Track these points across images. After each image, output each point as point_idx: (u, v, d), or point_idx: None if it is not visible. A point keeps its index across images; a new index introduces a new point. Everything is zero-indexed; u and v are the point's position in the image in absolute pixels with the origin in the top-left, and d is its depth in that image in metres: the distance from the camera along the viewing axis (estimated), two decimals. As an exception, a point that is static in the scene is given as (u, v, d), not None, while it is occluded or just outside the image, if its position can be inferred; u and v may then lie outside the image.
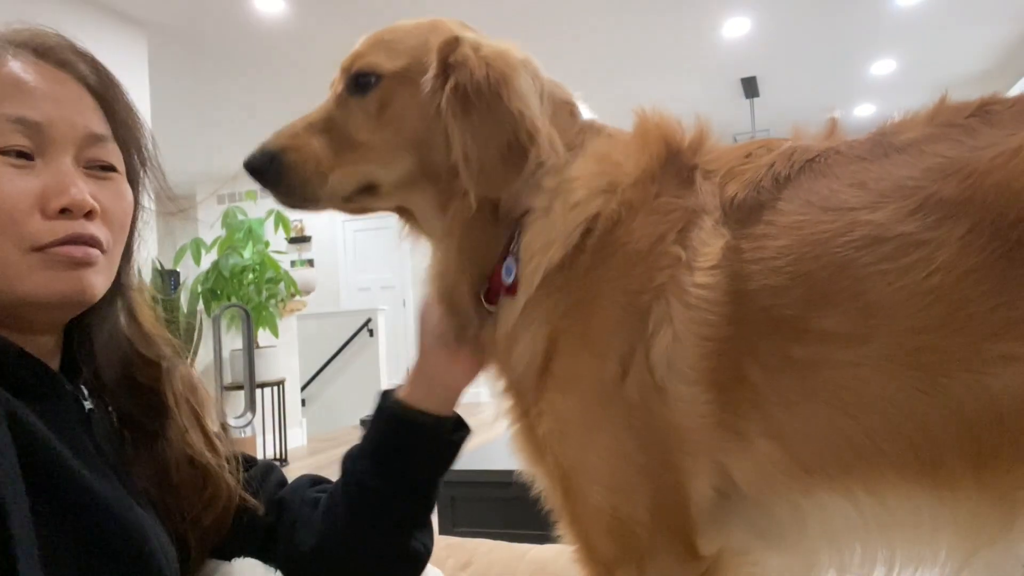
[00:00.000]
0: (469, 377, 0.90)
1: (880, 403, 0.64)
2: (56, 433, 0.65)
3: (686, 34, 5.56)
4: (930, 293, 0.62)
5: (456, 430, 0.90)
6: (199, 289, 5.41)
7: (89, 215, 0.68)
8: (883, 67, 6.53)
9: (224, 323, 5.25)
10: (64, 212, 0.67)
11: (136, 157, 0.78)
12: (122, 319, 0.80)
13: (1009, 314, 0.60)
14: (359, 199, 0.87)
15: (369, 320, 7.71)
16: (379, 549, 0.87)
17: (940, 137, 0.68)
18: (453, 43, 0.83)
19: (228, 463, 0.85)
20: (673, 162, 0.80)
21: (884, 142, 0.71)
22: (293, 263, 8.71)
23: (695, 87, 6.64)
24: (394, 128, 0.84)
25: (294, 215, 8.07)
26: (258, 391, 5.19)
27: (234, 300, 5.32)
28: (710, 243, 0.72)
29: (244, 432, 4.73)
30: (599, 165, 0.81)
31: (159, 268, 4.67)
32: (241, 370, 5.08)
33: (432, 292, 0.88)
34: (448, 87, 0.80)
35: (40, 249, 0.66)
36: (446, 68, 0.81)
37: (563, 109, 0.87)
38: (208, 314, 5.27)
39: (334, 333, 7.69)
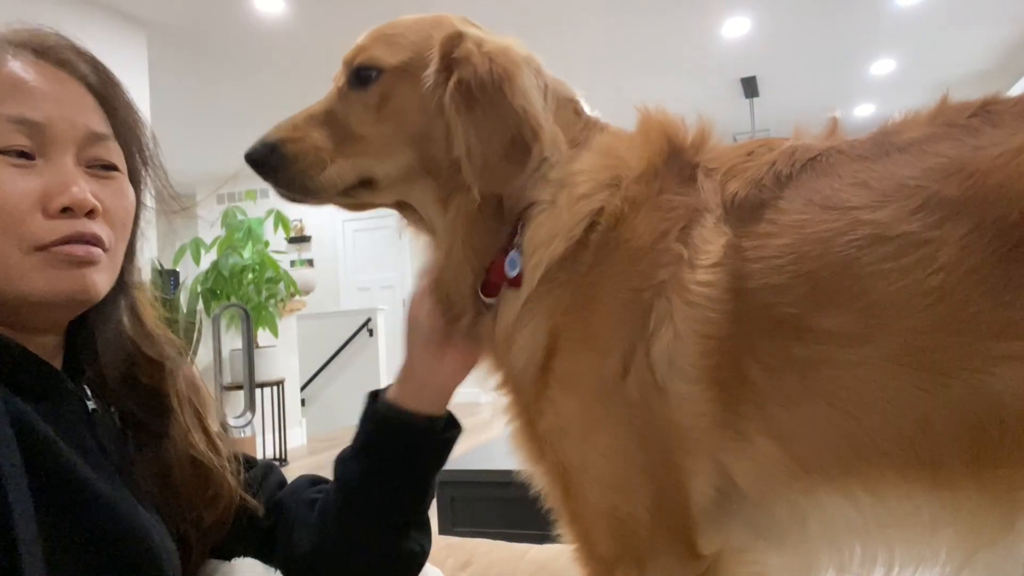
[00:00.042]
0: (460, 375, 0.88)
1: (881, 403, 0.64)
2: (59, 433, 0.65)
3: (686, 34, 5.57)
4: (931, 293, 0.62)
5: (447, 429, 0.89)
6: (199, 289, 5.41)
7: (91, 214, 0.68)
8: (883, 67, 6.54)
9: (224, 323, 5.24)
10: (66, 211, 0.67)
11: (137, 156, 0.78)
12: (125, 319, 0.79)
13: (1010, 314, 0.60)
14: (357, 193, 0.87)
15: (369, 320, 7.71)
16: (375, 550, 0.87)
17: (942, 137, 0.68)
18: (456, 38, 0.82)
19: (229, 463, 0.85)
20: (675, 159, 0.80)
21: (886, 141, 0.71)
22: (293, 263, 8.71)
23: (695, 87, 6.64)
24: (394, 122, 0.84)
25: (294, 215, 8.09)
26: (258, 391, 5.18)
27: (234, 300, 5.32)
28: (712, 241, 0.72)
29: (244, 432, 4.72)
30: (603, 159, 0.81)
31: (158, 268, 4.67)
32: (241, 370, 5.07)
33: (427, 284, 0.87)
34: (451, 83, 0.80)
35: (42, 248, 0.66)
36: (449, 63, 0.81)
37: (566, 106, 0.87)
38: (208, 314, 5.27)
39: (334, 333, 7.68)
